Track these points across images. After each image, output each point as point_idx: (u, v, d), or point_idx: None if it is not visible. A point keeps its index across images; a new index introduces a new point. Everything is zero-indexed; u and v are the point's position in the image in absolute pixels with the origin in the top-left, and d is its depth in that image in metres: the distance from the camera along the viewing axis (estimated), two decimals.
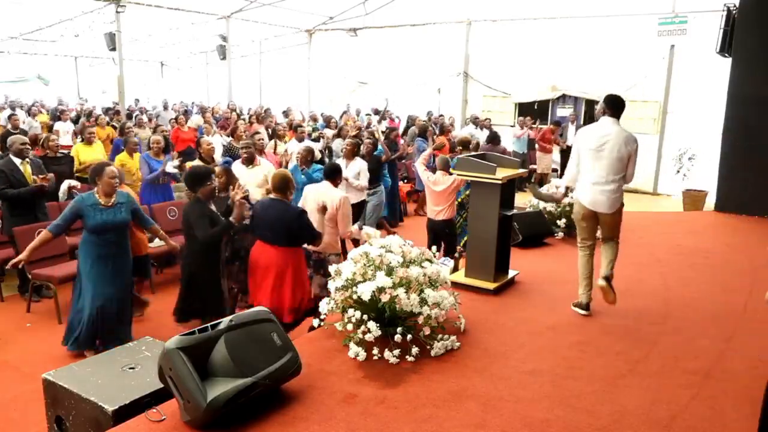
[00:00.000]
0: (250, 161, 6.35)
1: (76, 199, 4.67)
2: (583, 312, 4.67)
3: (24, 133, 9.01)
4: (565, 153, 12.48)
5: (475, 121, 12.83)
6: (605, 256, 4.64)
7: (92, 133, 8.05)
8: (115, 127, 10.82)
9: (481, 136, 12.08)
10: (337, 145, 9.40)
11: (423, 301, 3.77)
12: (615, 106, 4.40)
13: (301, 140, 8.97)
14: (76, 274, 4.78)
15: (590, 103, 13.38)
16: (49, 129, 11.65)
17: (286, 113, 14.97)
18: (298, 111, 15.53)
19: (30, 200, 5.97)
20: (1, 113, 13.18)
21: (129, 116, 12.49)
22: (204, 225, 4.33)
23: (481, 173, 4.94)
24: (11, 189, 5.78)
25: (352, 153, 7.09)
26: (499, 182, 4.87)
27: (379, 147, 8.05)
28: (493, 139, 10.73)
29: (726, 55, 8.83)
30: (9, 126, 9.92)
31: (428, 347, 3.79)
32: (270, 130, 10.68)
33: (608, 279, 4.55)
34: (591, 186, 4.45)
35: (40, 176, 5.99)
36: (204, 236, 4.32)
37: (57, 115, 12.89)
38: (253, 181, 6.13)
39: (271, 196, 4.57)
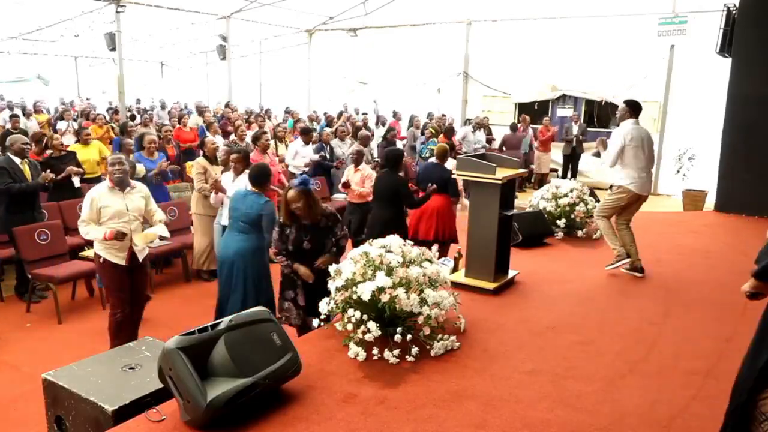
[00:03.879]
0: (121, 185, 4.57)
1: (272, 204, 4.74)
2: (639, 275, 5.55)
3: (24, 133, 9.02)
4: (569, 154, 12.46)
5: (476, 125, 12.74)
6: (631, 241, 5.61)
7: (88, 135, 8.24)
8: (113, 127, 10.83)
9: (480, 137, 12.10)
10: (335, 144, 9.39)
11: (423, 301, 3.76)
12: (638, 109, 5.60)
13: (307, 143, 8.97)
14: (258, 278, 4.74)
15: (590, 103, 13.38)
16: (52, 128, 11.65)
17: (289, 113, 14.95)
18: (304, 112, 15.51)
19: (30, 199, 5.98)
20: (2, 113, 13.18)
21: (132, 117, 12.48)
22: (412, 195, 6.00)
23: (481, 173, 4.94)
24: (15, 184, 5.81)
25: (243, 165, 5.83)
26: (499, 182, 4.87)
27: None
28: (515, 128, 12.38)
29: (726, 55, 8.82)
30: (9, 126, 9.94)
31: (428, 347, 3.79)
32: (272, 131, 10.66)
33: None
34: (640, 175, 5.44)
35: (49, 177, 6.06)
36: (415, 203, 6.04)
37: (60, 115, 12.90)
38: (132, 207, 4.59)
39: (433, 161, 6.62)
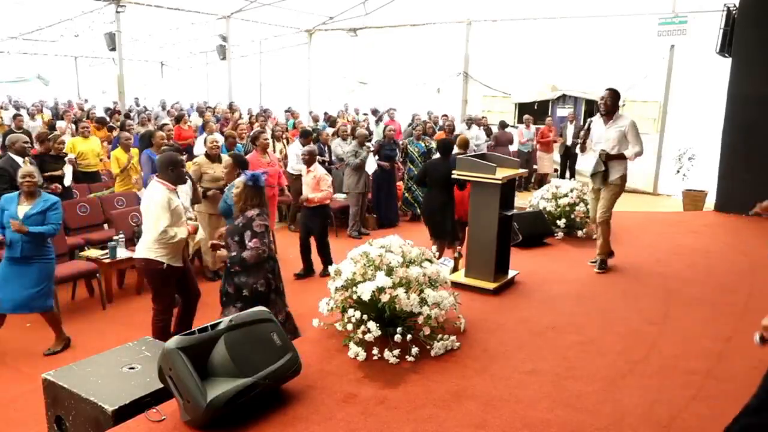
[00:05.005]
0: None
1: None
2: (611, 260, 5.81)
3: (27, 133, 9.03)
4: (566, 154, 12.46)
5: (469, 122, 12.81)
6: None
7: (86, 127, 8.32)
8: (112, 128, 10.85)
9: (477, 133, 12.09)
10: (336, 144, 9.39)
11: (423, 301, 3.77)
12: None
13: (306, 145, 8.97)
14: None
15: (590, 103, 13.38)
16: (51, 127, 11.66)
17: (289, 112, 14.94)
18: (307, 113, 15.50)
19: None
20: (4, 113, 13.21)
21: (128, 116, 12.48)
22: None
23: (481, 173, 4.94)
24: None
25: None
26: (499, 182, 4.87)
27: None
28: (504, 126, 12.46)
29: (726, 55, 8.82)
30: (13, 125, 9.95)
31: (428, 347, 3.79)
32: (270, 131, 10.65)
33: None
34: None
35: (53, 185, 6.05)
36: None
37: (60, 115, 12.91)
38: (186, 205, 4.99)
39: (457, 151, 6.64)
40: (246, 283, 4.14)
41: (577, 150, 5.90)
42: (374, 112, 14.85)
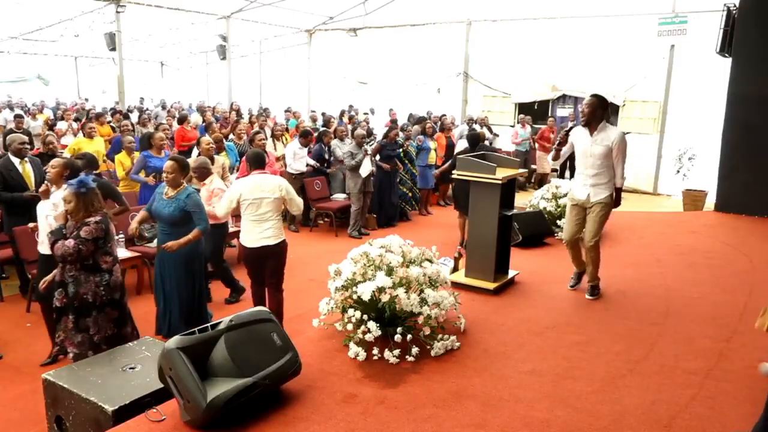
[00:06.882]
0: None
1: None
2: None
3: (26, 133, 9.01)
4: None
5: (470, 122, 12.82)
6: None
7: (92, 128, 8.37)
8: (113, 128, 10.85)
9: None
10: (335, 144, 9.37)
11: (423, 301, 3.77)
12: None
13: (305, 145, 8.97)
14: None
15: None
16: (51, 127, 11.67)
17: (289, 112, 14.92)
18: (307, 113, 15.48)
19: (26, 202, 5.94)
20: (2, 113, 13.23)
21: (126, 116, 12.48)
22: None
23: (481, 173, 4.94)
24: (6, 192, 5.69)
25: (60, 176, 4.64)
26: (499, 182, 4.86)
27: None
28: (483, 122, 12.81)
29: (726, 55, 8.82)
30: (13, 126, 9.94)
31: (428, 347, 3.79)
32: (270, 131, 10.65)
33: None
34: None
35: (40, 190, 5.98)
36: None
37: (61, 115, 12.91)
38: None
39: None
40: (70, 290, 3.81)
41: (549, 158, 5.09)
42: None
